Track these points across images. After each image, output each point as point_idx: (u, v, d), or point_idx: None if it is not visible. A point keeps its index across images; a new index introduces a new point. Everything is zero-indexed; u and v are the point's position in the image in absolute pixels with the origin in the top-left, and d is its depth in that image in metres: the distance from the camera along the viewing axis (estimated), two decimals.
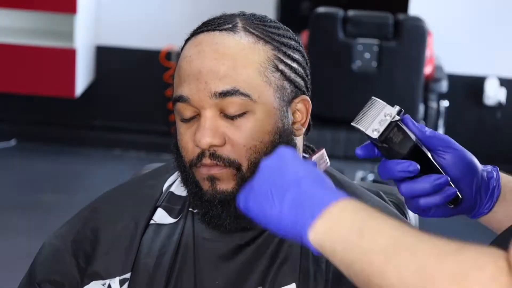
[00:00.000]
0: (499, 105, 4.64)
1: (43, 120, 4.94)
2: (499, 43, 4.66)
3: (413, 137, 1.12)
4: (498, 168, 1.17)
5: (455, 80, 4.57)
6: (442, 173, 1.13)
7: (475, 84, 4.69)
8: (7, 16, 4.74)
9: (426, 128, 1.16)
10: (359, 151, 1.17)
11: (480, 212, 1.17)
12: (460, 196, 1.14)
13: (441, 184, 1.12)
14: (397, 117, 1.12)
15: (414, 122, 1.15)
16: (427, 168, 1.13)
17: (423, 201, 1.14)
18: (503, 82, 4.65)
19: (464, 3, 4.65)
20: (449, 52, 4.62)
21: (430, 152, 1.13)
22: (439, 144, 1.15)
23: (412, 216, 1.54)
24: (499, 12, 4.63)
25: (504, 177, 1.17)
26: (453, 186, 1.14)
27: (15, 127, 4.92)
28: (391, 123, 1.11)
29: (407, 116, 1.15)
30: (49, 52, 4.51)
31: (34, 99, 4.82)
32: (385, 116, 1.12)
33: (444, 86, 4.07)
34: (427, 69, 3.97)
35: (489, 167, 1.17)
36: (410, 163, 1.12)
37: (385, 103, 1.12)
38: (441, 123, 4.23)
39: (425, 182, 1.13)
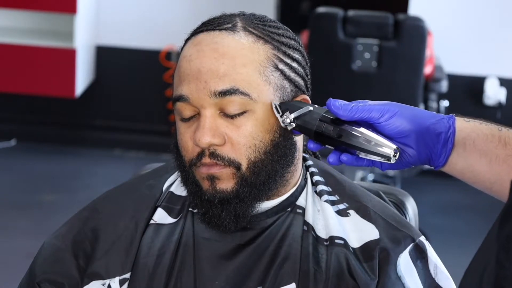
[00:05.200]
0: (499, 105, 4.64)
1: (43, 120, 4.94)
2: (499, 43, 4.66)
3: (312, 127, 1.21)
4: (454, 120, 1.18)
5: (455, 80, 4.57)
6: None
7: (475, 84, 4.69)
8: (7, 16, 4.74)
9: (356, 108, 1.18)
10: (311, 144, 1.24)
11: (436, 164, 1.18)
12: (391, 154, 1.16)
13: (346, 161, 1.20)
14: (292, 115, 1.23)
15: (339, 107, 1.18)
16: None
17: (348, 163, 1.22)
18: (503, 82, 4.65)
19: (464, 3, 4.65)
20: (449, 52, 4.62)
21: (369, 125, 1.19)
22: (372, 117, 1.17)
23: (412, 216, 1.55)
24: (499, 12, 4.63)
25: (466, 128, 1.18)
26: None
27: (15, 127, 4.92)
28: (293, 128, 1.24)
29: (329, 104, 1.19)
30: (49, 52, 4.51)
31: (34, 99, 4.82)
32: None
33: (444, 86, 4.07)
34: (427, 69, 3.97)
35: (443, 120, 1.18)
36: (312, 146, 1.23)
37: (277, 114, 1.24)
38: None
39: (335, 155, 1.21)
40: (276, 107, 1.24)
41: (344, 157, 1.20)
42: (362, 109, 1.18)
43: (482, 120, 1.20)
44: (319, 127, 1.20)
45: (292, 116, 1.23)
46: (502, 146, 1.16)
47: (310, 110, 1.22)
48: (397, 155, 1.17)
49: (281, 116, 1.24)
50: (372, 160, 1.19)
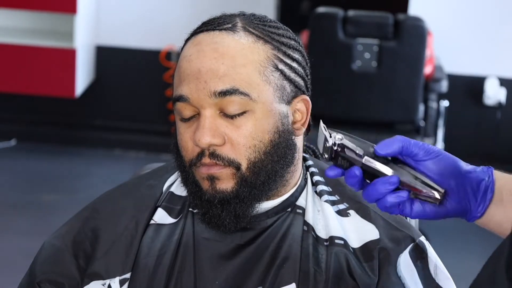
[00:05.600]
0: (499, 105, 4.64)
1: (43, 120, 4.94)
2: (499, 43, 4.66)
3: (358, 161, 1.12)
4: (492, 170, 1.13)
5: (455, 80, 4.57)
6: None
7: (475, 84, 4.69)
8: (7, 16, 4.74)
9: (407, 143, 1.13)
10: (329, 172, 1.16)
11: (473, 215, 1.13)
12: (438, 197, 1.11)
13: (390, 184, 1.11)
14: (334, 147, 1.14)
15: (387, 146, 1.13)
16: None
17: (382, 200, 1.13)
18: (503, 82, 4.65)
19: (464, 4, 4.65)
20: (449, 52, 4.62)
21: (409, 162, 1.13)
22: (417, 154, 1.12)
23: (413, 219, 1.54)
24: (499, 12, 4.63)
25: (502, 178, 1.13)
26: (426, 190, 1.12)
27: (15, 127, 4.92)
28: (334, 150, 1.14)
29: (376, 148, 1.13)
30: (49, 52, 4.51)
31: (34, 99, 4.82)
32: (326, 144, 1.15)
33: (444, 86, 4.06)
34: (427, 69, 3.97)
35: (482, 169, 1.13)
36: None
37: (325, 132, 1.15)
38: (441, 123, 4.24)
39: (377, 185, 1.13)
40: (324, 127, 1.17)
41: (403, 194, 1.12)
42: (412, 144, 1.12)
43: None
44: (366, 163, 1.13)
45: (341, 137, 1.15)
46: None
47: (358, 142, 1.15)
48: (443, 198, 1.12)
49: (330, 136, 1.15)
50: (421, 201, 1.13)
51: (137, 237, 1.32)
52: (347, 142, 1.14)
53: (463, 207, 1.12)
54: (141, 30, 4.83)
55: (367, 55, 3.80)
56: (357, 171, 1.13)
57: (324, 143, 1.15)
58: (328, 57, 3.82)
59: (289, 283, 1.25)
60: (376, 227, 1.31)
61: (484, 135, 4.71)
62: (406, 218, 1.49)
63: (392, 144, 1.12)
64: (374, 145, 1.14)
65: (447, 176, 1.12)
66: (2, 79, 4.56)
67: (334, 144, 1.14)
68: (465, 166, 1.13)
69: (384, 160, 1.13)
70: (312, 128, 1.34)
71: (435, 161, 1.12)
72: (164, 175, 1.39)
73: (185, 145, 1.26)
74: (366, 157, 1.12)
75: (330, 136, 1.14)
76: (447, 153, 1.14)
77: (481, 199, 1.12)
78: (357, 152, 1.13)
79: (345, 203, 1.33)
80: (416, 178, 1.12)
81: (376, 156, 1.13)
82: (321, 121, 1.19)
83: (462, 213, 1.13)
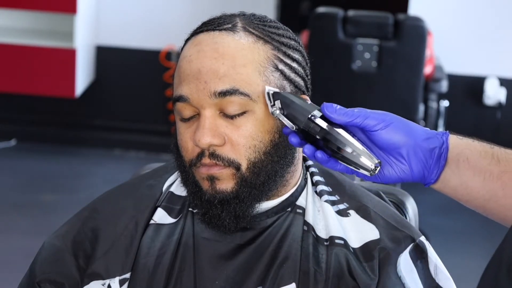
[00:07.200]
0: (499, 105, 4.64)
1: (43, 120, 4.94)
2: (499, 43, 4.66)
3: (300, 123, 1.18)
4: (448, 136, 1.16)
5: (455, 80, 4.57)
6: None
7: (475, 84, 4.69)
8: (7, 16, 4.74)
9: (351, 112, 1.17)
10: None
11: (428, 181, 1.17)
12: (371, 167, 1.14)
13: (316, 158, 1.18)
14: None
15: (334, 110, 1.17)
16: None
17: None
18: (503, 82, 4.65)
19: (464, 4, 4.65)
20: (449, 52, 4.62)
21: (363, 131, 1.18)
22: (367, 125, 1.16)
23: (412, 216, 1.55)
24: (499, 12, 4.63)
25: (460, 144, 1.16)
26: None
27: (15, 127, 4.92)
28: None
29: (323, 107, 1.18)
30: (49, 52, 4.51)
31: (34, 99, 4.82)
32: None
33: (444, 86, 4.07)
34: (427, 69, 3.97)
35: (437, 135, 1.16)
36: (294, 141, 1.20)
37: (267, 101, 1.24)
38: (441, 123, 4.24)
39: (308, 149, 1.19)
40: (268, 95, 1.23)
41: (319, 154, 1.18)
42: (357, 114, 1.17)
43: (475, 138, 1.19)
44: (307, 125, 1.19)
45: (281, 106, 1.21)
46: (496, 163, 1.15)
47: (302, 106, 1.21)
48: (377, 169, 1.15)
49: (272, 106, 1.22)
50: (353, 169, 1.17)
51: (136, 237, 1.32)
52: (279, 115, 1.21)
53: (419, 173, 1.17)
54: (141, 30, 4.83)
55: (367, 55, 3.80)
56: (286, 130, 1.20)
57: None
58: (328, 57, 3.83)
59: (289, 283, 1.25)
60: (376, 227, 1.31)
61: (484, 135, 4.69)
62: (406, 218, 1.49)
63: (345, 114, 1.17)
64: (317, 107, 1.20)
65: (397, 145, 1.16)
66: (2, 79, 4.56)
67: (273, 113, 1.21)
68: (421, 132, 1.17)
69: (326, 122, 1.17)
70: None
71: (384, 131, 1.16)
72: (164, 175, 1.39)
73: (185, 145, 1.26)
74: (278, 112, 1.20)
75: (272, 106, 1.21)
76: (401, 119, 1.18)
77: (434, 166, 1.16)
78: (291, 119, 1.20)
79: (345, 203, 1.33)
80: (349, 148, 1.15)
81: (326, 119, 1.18)
82: (266, 87, 1.23)
83: (420, 178, 1.17)
